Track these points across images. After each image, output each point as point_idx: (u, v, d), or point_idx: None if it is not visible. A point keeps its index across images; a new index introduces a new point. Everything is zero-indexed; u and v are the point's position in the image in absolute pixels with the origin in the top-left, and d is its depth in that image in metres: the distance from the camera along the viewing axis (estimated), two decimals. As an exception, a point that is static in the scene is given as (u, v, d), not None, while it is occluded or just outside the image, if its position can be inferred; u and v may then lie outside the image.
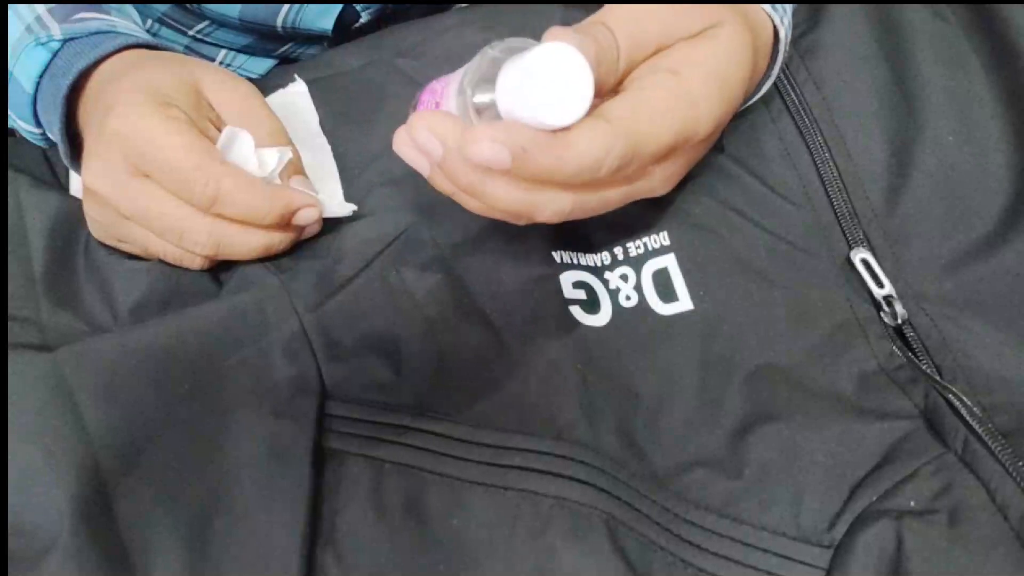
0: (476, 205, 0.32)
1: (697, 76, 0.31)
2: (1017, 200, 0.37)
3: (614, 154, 0.28)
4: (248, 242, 0.37)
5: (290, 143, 0.39)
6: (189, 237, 0.36)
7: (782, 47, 0.36)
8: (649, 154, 0.30)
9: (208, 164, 0.35)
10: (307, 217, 0.37)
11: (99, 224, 0.38)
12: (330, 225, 0.39)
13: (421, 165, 0.32)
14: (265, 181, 0.37)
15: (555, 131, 0.28)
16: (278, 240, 0.38)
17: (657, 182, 0.33)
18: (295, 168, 0.39)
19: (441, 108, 0.33)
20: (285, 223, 0.37)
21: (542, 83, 0.27)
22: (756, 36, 0.34)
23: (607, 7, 0.31)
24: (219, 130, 0.38)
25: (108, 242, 0.39)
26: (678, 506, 0.33)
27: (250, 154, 0.37)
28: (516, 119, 0.28)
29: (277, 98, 0.44)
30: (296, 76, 0.44)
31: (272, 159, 0.38)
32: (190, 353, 0.34)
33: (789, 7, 0.37)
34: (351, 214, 0.39)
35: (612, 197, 0.32)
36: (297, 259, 0.39)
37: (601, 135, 0.28)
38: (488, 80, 0.30)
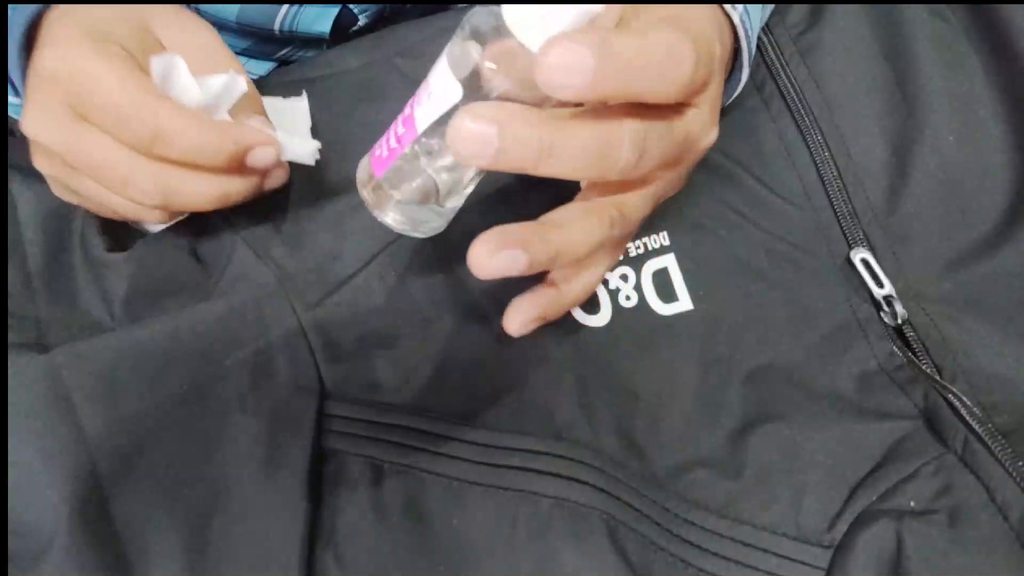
0: (553, 163, 0.27)
1: (692, 17, 0.30)
2: (1017, 200, 0.37)
3: (689, 48, 0.26)
4: (199, 189, 0.33)
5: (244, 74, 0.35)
6: (134, 185, 0.33)
7: (743, 35, 0.35)
8: (704, 59, 0.27)
9: (144, 98, 0.31)
10: (263, 158, 0.33)
11: (53, 179, 0.35)
12: (329, 222, 0.38)
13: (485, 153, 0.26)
14: (209, 114, 0.33)
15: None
16: (235, 188, 0.34)
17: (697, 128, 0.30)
18: (253, 107, 0.36)
19: (413, 120, 0.30)
20: (238, 165, 0.33)
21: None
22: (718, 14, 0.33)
23: None
24: None
25: (68, 198, 0.36)
26: (678, 506, 0.33)
27: (190, 84, 0.33)
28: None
29: (274, 102, 0.42)
30: (304, 91, 0.43)
31: (216, 84, 0.33)
32: (188, 353, 0.34)
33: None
34: (315, 157, 0.35)
35: (676, 129, 0.29)
36: (295, 257, 0.39)
37: (669, 28, 0.26)
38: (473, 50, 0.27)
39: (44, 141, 0.33)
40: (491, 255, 0.27)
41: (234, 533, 0.31)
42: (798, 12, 0.42)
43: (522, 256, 0.27)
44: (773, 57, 0.41)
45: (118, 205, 0.34)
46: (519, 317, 0.32)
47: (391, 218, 0.32)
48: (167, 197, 0.33)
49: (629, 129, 0.27)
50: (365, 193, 0.32)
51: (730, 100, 0.38)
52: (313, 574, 0.32)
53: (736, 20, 0.34)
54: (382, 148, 0.31)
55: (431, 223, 0.32)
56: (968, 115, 0.38)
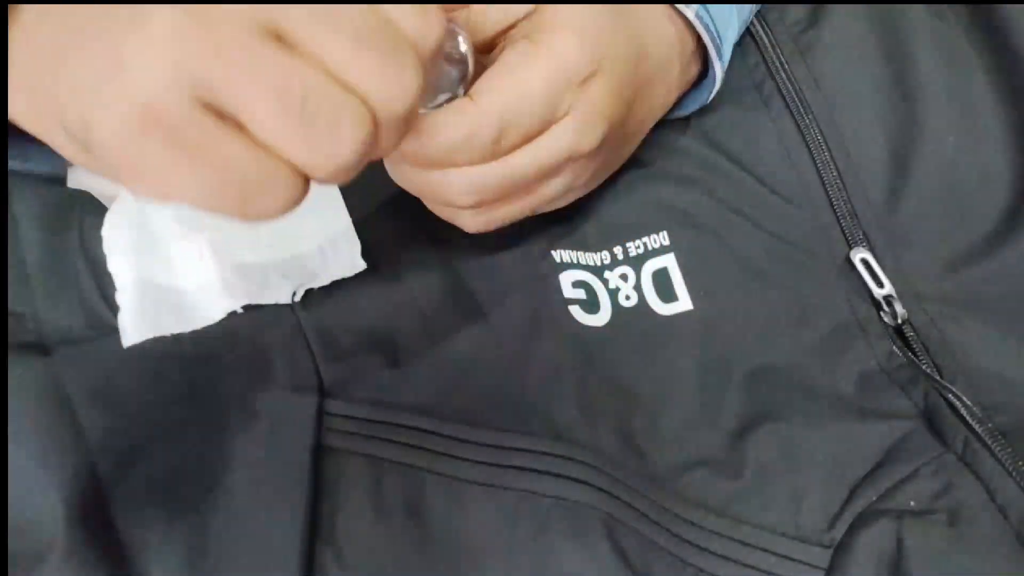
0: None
1: (550, 31, 0.30)
2: (1017, 200, 0.37)
3: (485, 126, 0.28)
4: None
5: None
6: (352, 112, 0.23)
7: (702, 29, 0.35)
8: (527, 112, 0.29)
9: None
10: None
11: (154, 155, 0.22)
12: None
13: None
14: None
15: (423, 116, 0.28)
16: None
17: (570, 137, 0.31)
18: None
19: None
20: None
21: None
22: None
23: None
24: None
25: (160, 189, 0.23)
26: (677, 506, 0.33)
27: None
28: None
29: None
30: None
31: None
32: (187, 353, 0.34)
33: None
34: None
35: (519, 163, 0.30)
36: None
37: (469, 110, 0.28)
38: None
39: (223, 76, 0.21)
40: None
41: (233, 532, 0.31)
42: (798, 11, 0.42)
43: None
44: (773, 56, 0.41)
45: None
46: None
47: None
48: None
49: (450, 178, 0.30)
50: None
51: (711, 97, 0.38)
52: (313, 573, 0.32)
53: (691, 15, 0.34)
54: None
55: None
56: (968, 115, 0.38)
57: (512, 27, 0.31)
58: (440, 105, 0.29)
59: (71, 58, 0.23)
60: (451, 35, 0.29)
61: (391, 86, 0.23)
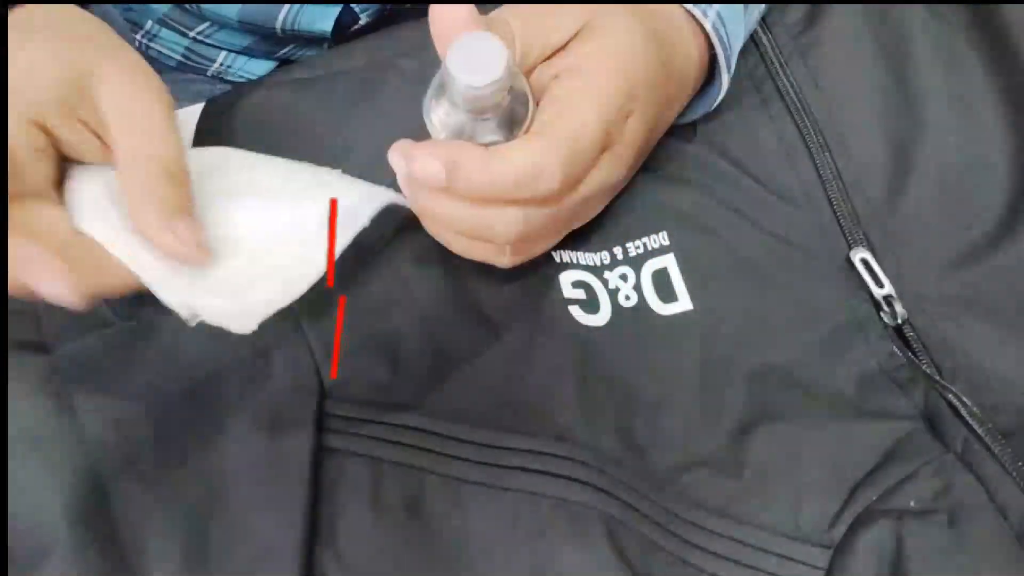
0: (436, 230, 0.33)
1: (598, 68, 0.31)
2: (1017, 200, 0.37)
3: (554, 162, 0.29)
4: None
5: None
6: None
7: (717, 42, 0.35)
8: (588, 148, 0.30)
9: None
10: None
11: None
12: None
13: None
14: None
15: (490, 146, 0.29)
16: None
17: (608, 170, 0.32)
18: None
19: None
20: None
21: (466, 56, 0.28)
22: (656, 22, 0.34)
23: (502, 7, 0.32)
24: (98, 139, 0.29)
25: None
26: (678, 506, 0.33)
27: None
28: (456, 105, 0.29)
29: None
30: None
31: None
32: (187, 353, 0.34)
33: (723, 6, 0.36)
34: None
35: (570, 201, 0.32)
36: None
37: (536, 146, 0.29)
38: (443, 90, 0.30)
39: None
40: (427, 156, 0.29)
41: (234, 532, 0.31)
42: (797, 11, 0.42)
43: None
44: (772, 56, 0.41)
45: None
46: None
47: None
48: None
49: (507, 215, 0.30)
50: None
51: (715, 105, 0.38)
52: (312, 573, 0.32)
53: (708, 27, 0.35)
54: None
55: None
56: (968, 115, 0.38)
57: (553, 56, 0.32)
58: (497, 142, 0.30)
59: None
60: (515, 76, 0.30)
61: None
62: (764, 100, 0.40)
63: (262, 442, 0.33)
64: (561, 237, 0.35)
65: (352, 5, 0.48)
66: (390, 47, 0.45)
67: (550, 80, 0.31)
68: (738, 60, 0.40)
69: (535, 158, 0.29)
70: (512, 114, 0.30)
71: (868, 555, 0.32)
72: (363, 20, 0.49)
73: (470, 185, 0.29)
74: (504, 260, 0.34)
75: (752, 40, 0.41)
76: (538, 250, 0.35)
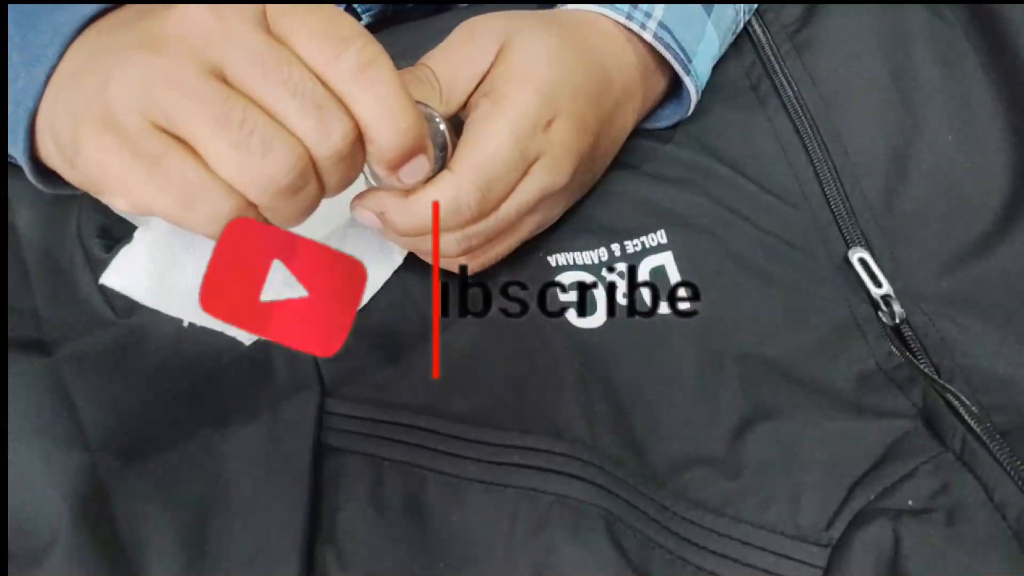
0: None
1: (508, 86, 0.33)
2: (1015, 199, 0.37)
3: (468, 191, 0.31)
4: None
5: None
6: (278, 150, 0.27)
7: (663, 48, 0.36)
8: (503, 167, 0.32)
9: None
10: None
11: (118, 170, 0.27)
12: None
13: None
14: None
15: (407, 191, 0.31)
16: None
17: (543, 178, 0.33)
18: None
19: None
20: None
21: None
22: (575, 29, 0.35)
23: (427, 54, 0.34)
24: None
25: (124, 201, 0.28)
26: (677, 504, 0.33)
27: None
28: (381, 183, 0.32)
29: None
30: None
31: None
32: (188, 351, 0.34)
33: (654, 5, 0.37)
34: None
35: (501, 211, 0.33)
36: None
37: (447, 182, 0.31)
38: None
39: (168, 104, 0.26)
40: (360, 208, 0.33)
41: (234, 530, 0.31)
42: (793, 9, 0.42)
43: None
44: (769, 55, 0.41)
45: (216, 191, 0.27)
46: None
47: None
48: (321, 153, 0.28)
49: (445, 239, 0.33)
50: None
51: (690, 110, 0.38)
52: (313, 571, 0.32)
53: (648, 37, 0.36)
54: None
55: None
56: (966, 114, 0.39)
57: (481, 81, 0.34)
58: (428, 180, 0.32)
59: (76, 81, 0.28)
60: (428, 119, 0.31)
61: (317, 130, 0.26)
62: (761, 99, 0.40)
63: (262, 440, 0.33)
64: (524, 237, 0.36)
65: (354, 5, 0.48)
66: (390, 47, 0.45)
67: (471, 110, 0.33)
68: (734, 59, 0.40)
69: (449, 193, 0.31)
70: (439, 148, 0.32)
71: (866, 554, 0.31)
72: (365, 20, 0.49)
73: (401, 227, 0.32)
74: (461, 266, 0.36)
75: (749, 38, 0.41)
76: (493, 257, 0.36)
